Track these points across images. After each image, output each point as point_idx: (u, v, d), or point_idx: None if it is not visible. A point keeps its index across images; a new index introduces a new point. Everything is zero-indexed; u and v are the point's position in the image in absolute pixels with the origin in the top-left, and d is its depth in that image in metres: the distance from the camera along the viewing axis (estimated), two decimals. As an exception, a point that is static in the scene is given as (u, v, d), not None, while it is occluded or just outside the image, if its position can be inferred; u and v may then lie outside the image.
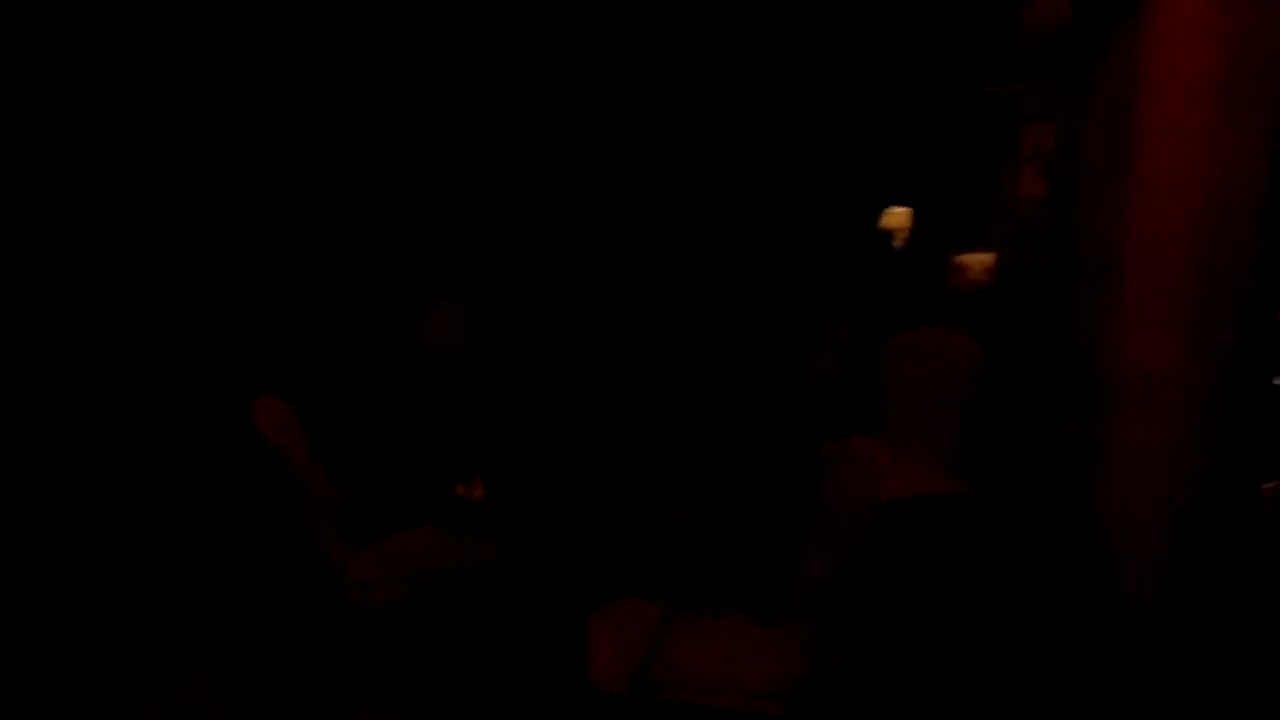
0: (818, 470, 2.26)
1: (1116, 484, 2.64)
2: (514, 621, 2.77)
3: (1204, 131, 2.44)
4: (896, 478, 2.30)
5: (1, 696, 2.66)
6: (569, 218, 5.36)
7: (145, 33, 4.64)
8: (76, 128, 4.60)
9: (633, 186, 5.40)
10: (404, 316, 4.01)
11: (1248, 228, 2.44)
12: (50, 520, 3.79)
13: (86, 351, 4.61)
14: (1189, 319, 2.52)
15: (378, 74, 5.11)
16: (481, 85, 5.26)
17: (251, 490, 3.49)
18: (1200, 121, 2.45)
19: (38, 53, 4.45)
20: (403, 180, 5.24)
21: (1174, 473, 2.57)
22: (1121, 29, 2.56)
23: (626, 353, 4.74)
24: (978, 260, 4.65)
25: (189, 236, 4.86)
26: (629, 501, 2.96)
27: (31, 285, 4.53)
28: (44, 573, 3.38)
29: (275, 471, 2.59)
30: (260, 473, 2.69)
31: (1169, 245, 2.53)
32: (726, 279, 5.32)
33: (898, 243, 5.54)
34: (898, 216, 5.54)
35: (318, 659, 2.79)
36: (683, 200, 5.42)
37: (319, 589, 2.69)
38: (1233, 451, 2.53)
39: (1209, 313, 2.49)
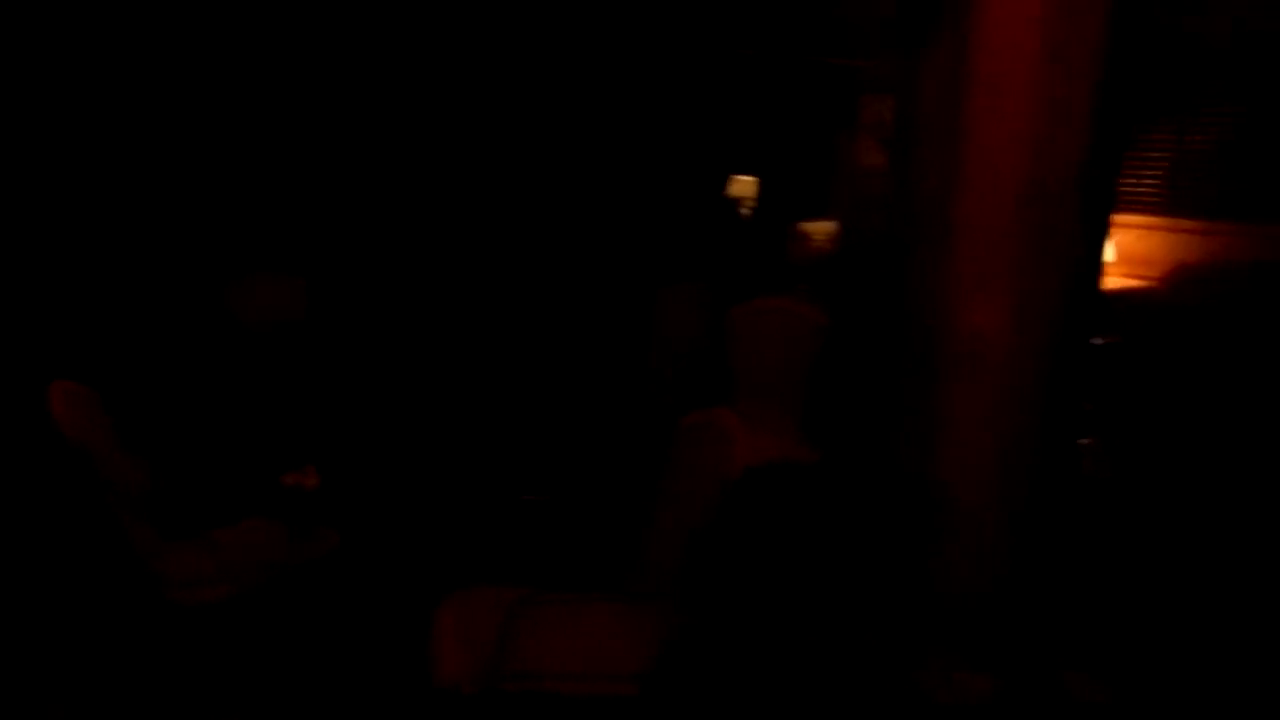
0: (672, 443, 2.23)
1: (951, 446, 2.74)
2: (353, 617, 2.61)
3: (1031, 95, 2.53)
4: (748, 446, 2.29)
5: None
6: (405, 184, 5.10)
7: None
8: None
9: (476, 153, 5.20)
10: (225, 289, 3.70)
11: (1071, 194, 2.55)
12: None
13: None
14: (1017, 284, 2.62)
15: (194, 33, 4.67)
16: (303, 48, 4.91)
17: (51, 484, 3.14)
18: (1027, 85, 2.53)
19: None
20: (225, 142, 4.82)
21: (1003, 433, 2.69)
22: None
23: (471, 327, 4.57)
24: (820, 228, 4.75)
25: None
26: (476, 484, 2.84)
27: None
28: None
29: (78, 463, 2.34)
30: (60, 465, 2.42)
31: (999, 212, 2.62)
32: (575, 249, 5.22)
33: (745, 211, 5.60)
34: (744, 185, 5.60)
35: (140, 665, 2.55)
36: (529, 170, 5.27)
37: (135, 589, 2.46)
38: (1057, 411, 2.66)
39: (1036, 278, 2.60)
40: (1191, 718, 2.44)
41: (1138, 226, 4.28)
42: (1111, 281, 4.22)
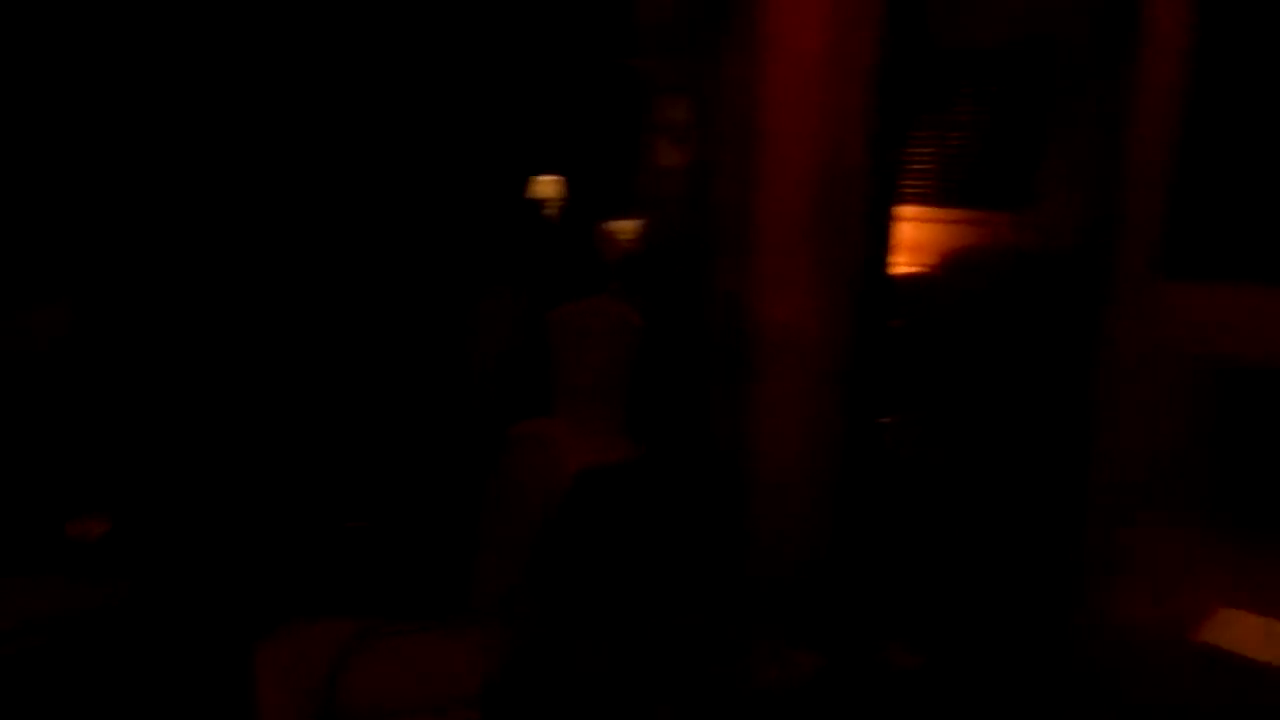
0: (500, 456, 2.18)
1: (763, 432, 2.86)
2: (157, 667, 2.39)
3: (817, 98, 2.67)
4: (575, 451, 2.29)
5: None
6: (189, 198, 4.72)
7: None
8: None
9: (265, 159, 4.88)
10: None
11: (859, 190, 2.72)
12: None
13: None
14: (816, 276, 2.76)
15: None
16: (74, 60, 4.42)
17: None
18: (813, 88, 2.67)
19: None
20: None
21: (812, 417, 2.83)
22: (744, 1, 2.72)
23: (273, 345, 4.29)
24: (628, 227, 4.81)
25: None
26: (291, 514, 2.67)
27: None
28: None
29: None
30: None
31: (795, 210, 2.75)
32: (377, 258, 5.01)
33: (550, 212, 5.59)
34: (547, 185, 5.58)
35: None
36: (322, 181, 5.00)
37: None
38: (860, 394, 2.84)
39: (832, 269, 2.76)
40: (993, 676, 2.66)
41: (914, 218, 4.65)
42: (899, 269, 4.56)
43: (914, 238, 4.66)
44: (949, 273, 4.27)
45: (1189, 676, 2.48)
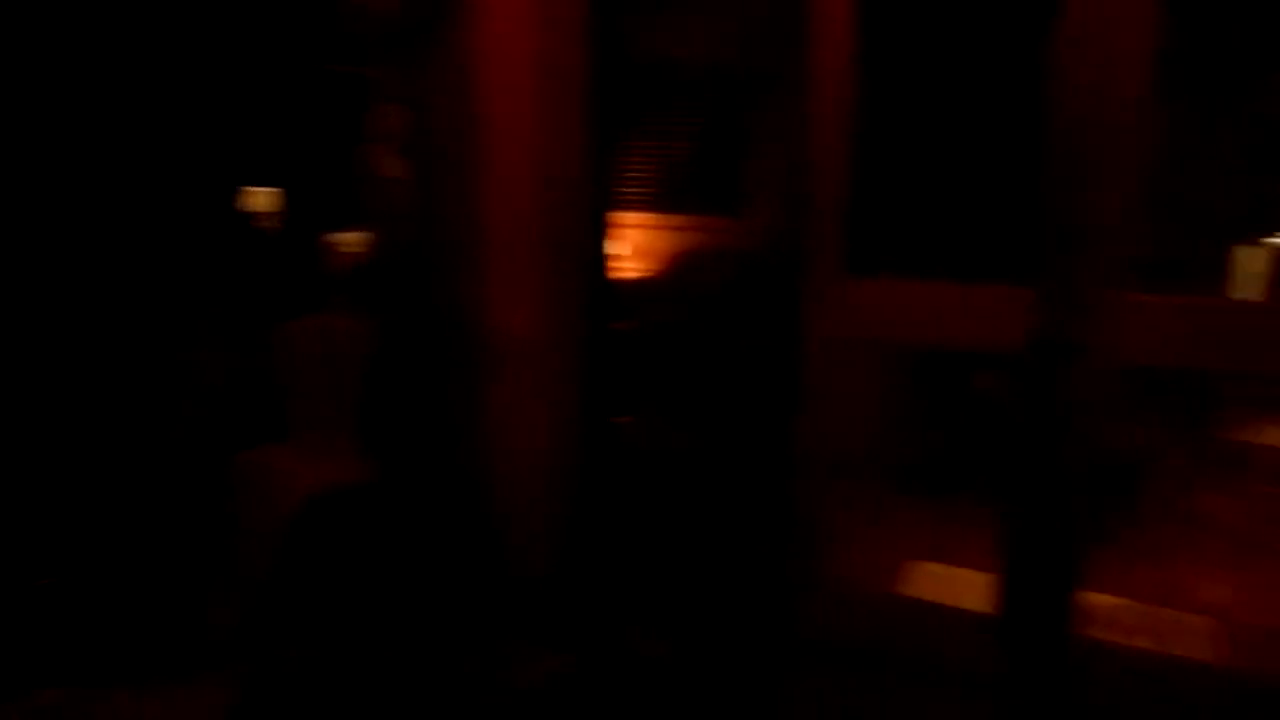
0: (225, 487, 2.04)
1: (501, 441, 2.88)
2: None
3: (531, 109, 2.74)
4: (303, 476, 2.19)
5: None
6: None
7: None
8: None
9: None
10: None
11: (578, 198, 2.82)
12: None
13: None
14: (542, 285, 2.83)
15: None
16: None
17: None
18: (527, 97, 2.73)
19: None
20: None
21: (547, 421, 2.90)
22: (454, 11, 2.72)
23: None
24: (352, 239, 4.65)
25: None
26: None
27: None
28: None
29: None
30: None
31: (517, 219, 2.80)
32: (63, 283, 4.47)
33: (267, 225, 5.27)
34: (261, 197, 5.27)
35: None
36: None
37: None
38: (594, 395, 2.94)
39: (557, 277, 2.83)
40: (728, 647, 2.85)
41: (641, 224, 4.89)
42: (627, 273, 4.75)
43: (642, 243, 4.90)
44: (674, 276, 4.52)
45: (891, 623, 2.80)
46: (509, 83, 2.74)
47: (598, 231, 2.89)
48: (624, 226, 4.90)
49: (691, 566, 3.13)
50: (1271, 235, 6.12)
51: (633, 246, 4.90)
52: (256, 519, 1.96)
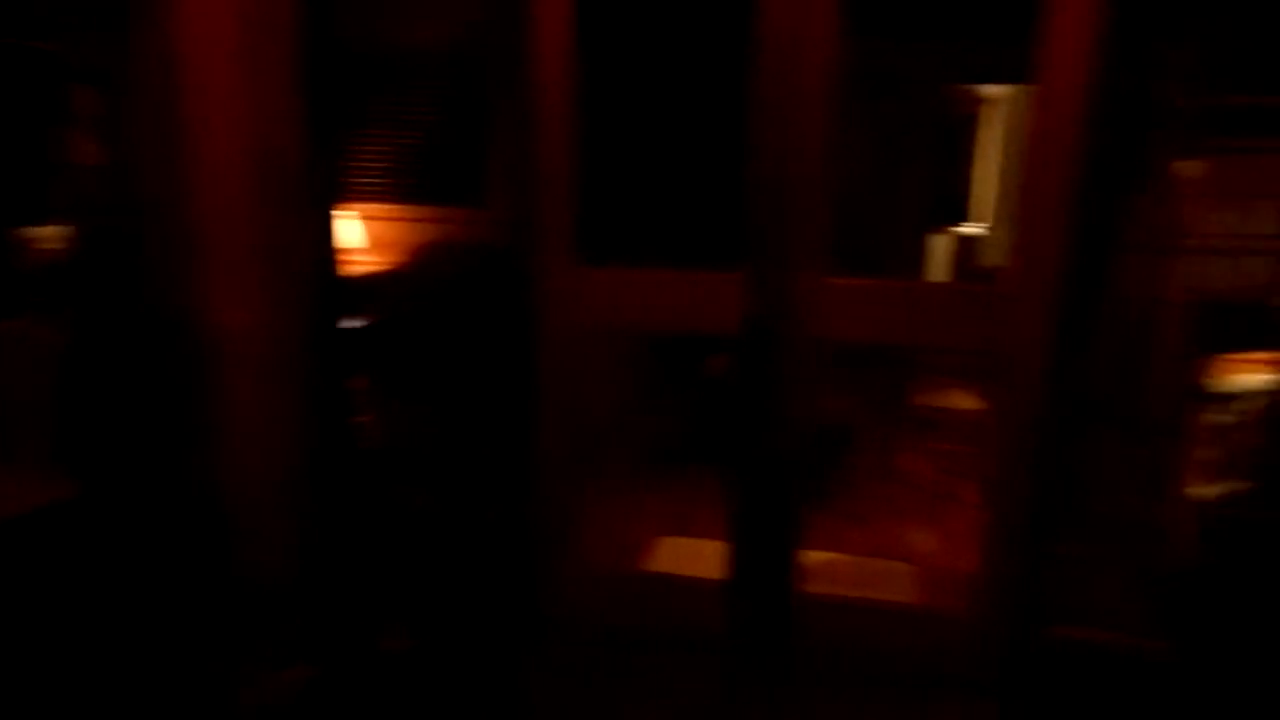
0: None
1: (227, 450, 2.72)
2: None
3: (239, 86, 2.58)
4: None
5: None
6: None
7: None
8: None
9: None
10: None
11: (299, 184, 2.70)
12: None
13: None
14: (261, 281, 2.69)
15: None
16: None
17: None
18: (234, 82, 2.58)
19: None
20: None
21: (276, 422, 2.76)
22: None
23: None
24: (46, 234, 4.16)
25: None
26: None
27: None
28: None
29: None
30: None
31: (231, 212, 2.64)
32: None
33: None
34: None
35: None
36: None
37: None
38: (325, 395, 2.83)
39: (278, 272, 2.70)
40: (478, 636, 2.87)
41: (379, 216, 4.73)
42: (364, 267, 4.60)
43: (383, 235, 4.75)
44: (414, 268, 4.43)
45: (632, 597, 2.93)
46: (211, 56, 2.57)
47: (323, 223, 2.78)
48: (367, 219, 4.74)
49: (438, 560, 3.12)
50: (956, 225, 6.99)
51: (373, 239, 4.75)
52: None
